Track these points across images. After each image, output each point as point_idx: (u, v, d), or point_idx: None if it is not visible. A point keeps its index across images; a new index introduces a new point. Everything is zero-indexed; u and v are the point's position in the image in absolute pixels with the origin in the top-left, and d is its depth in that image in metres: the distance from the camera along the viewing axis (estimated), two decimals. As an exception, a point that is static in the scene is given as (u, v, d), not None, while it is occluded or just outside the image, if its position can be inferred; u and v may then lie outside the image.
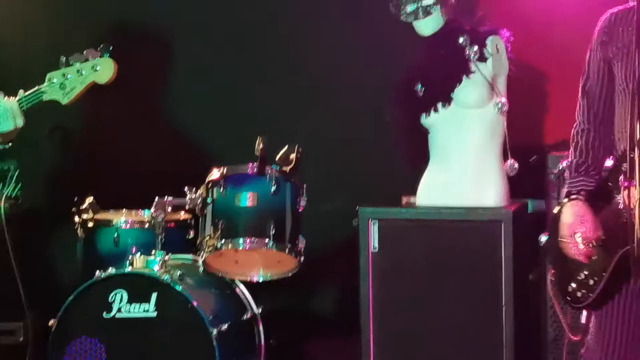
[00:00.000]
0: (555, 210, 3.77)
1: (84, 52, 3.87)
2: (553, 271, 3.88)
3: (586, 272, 3.62)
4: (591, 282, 3.59)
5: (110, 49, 3.90)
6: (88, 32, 5.87)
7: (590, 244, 3.60)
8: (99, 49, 3.87)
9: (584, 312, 3.79)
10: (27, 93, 3.92)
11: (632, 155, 3.38)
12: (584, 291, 3.62)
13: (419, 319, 4.76)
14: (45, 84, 3.91)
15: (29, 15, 6.13)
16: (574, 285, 3.65)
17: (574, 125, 3.81)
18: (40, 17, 6.12)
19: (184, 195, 4.99)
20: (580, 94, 3.82)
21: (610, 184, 3.59)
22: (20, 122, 4.18)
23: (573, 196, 3.67)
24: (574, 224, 3.62)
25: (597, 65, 3.75)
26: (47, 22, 6.12)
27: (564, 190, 3.77)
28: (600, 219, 3.60)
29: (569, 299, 3.67)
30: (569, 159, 3.80)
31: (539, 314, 4.93)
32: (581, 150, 3.77)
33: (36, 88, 3.93)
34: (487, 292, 4.68)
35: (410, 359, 4.80)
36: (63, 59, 3.86)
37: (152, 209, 4.97)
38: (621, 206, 3.54)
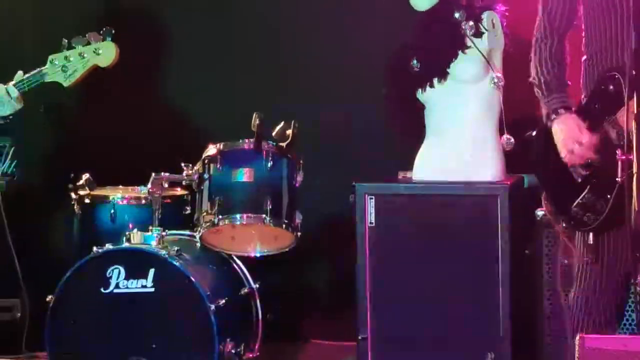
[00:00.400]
0: (534, 133, 3.94)
1: (87, 35, 3.88)
2: (546, 195, 3.93)
3: (590, 195, 3.69)
4: (598, 205, 3.66)
5: (113, 32, 3.91)
6: (83, 15, 5.87)
7: (592, 156, 3.67)
8: (101, 33, 3.88)
9: (590, 236, 3.75)
10: (28, 75, 3.92)
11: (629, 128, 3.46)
12: (590, 215, 3.68)
13: (416, 294, 4.76)
14: (47, 65, 3.92)
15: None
16: (577, 209, 3.72)
17: (534, 39, 3.92)
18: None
19: (180, 171, 5.01)
20: (540, 10, 3.91)
21: (596, 106, 3.71)
22: (18, 106, 4.21)
23: (561, 110, 3.75)
24: (573, 134, 3.69)
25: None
26: (40, 5, 6.12)
27: (543, 112, 3.85)
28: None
29: (572, 222, 3.74)
30: (534, 76, 3.90)
31: (535, 288, 4.90)
32: (546, 62, 3.87)
33: (37, 70, 3.94)
34: (483, 267, 4.69)
35: (408, 331, 4.77)
36: (65, 41, 3.86)
37: (149, 185, 4.98)
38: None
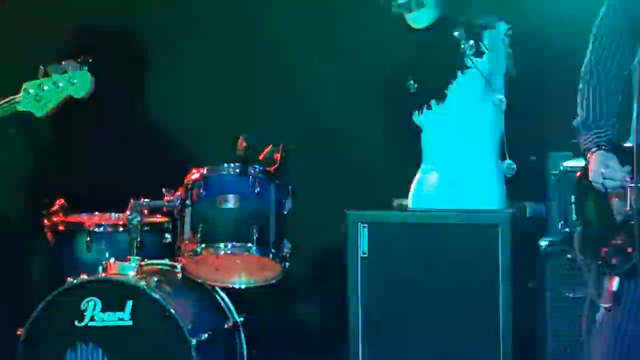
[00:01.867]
0: (577, 172, 3.85)
1: (63, 62, 3.86)
2: (580, 235, 3.84)
3: (623, 238, 3.62)
4: (629, 249, 3.58)
5: (90, 61, 3.88)
6: (67, 37, 6.00)
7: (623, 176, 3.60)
8: (78, 61, 3.85)
9: (615, 280, 3.70)
10: (0, 103, 3.93)
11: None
12: (619, 258, 3.62)
13: (412, 329, 4.70)
14: (21, 94, 3.89)
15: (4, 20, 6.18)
16: (608, 250, 3.67)
17: (581, 81, 3.85)
18: (18, 22, 6.16)
19: (161, 197, 5.04)
20: (591, 59, 3.84)
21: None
22: None
23: (593, 149, 3.73)
24: (601, 165, 3.65)
25: (614, 15, 3.79)
26: (24, 27, 6.15)
27: (582, 143, 3.81)
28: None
29: (600, 262, 3.67)
30: (580, 115, 3.85)
31: (538, 323, 4.86)
32: (587, 101, 3.83)
33: (10, 98, 3.91)
34: (483, 300, 4.62)
35: None
36: (41, 68, 3.86)
37: (127, 212, 4.99)
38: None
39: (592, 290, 3.79)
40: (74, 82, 3.83)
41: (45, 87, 3.85)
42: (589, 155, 3.74)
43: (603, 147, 3.71)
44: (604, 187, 3.64)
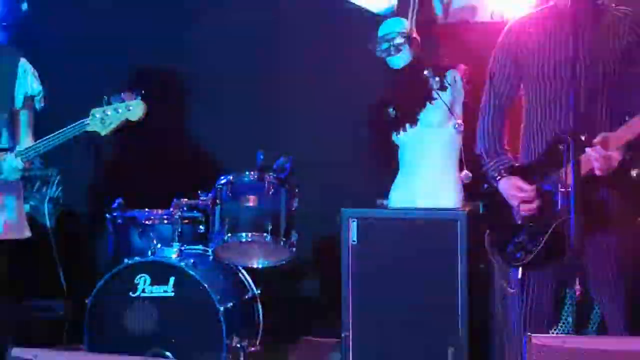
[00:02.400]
0: (485, 187, 3.87)
1: (122, 94, 3.86)
2: (489, 236, 3.85)
3: (524, 237, 3.66)
4: (532, 245, 3.63)
5: (142, 92, 3.91)
6: (124, 74, 5.92)
7: (530, 205, 3.63)
8: (133, 92, 3.88)
9: (520, 271, 3.76)
10: (73, 124, 3.88)
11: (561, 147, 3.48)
12: (522, 253, 3.66)
13: (390, 300, 4.77)
14: (89, 117, 3.89)
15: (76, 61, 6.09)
16: (512, 247, 3.69)
17: (479, 122, 3.87)
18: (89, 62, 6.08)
19: (198, 197, 5.06)
20: (487, 90, 3.85)
21: (545, 163, 3.63)
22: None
23: (497, 175, 3.72)
24: (513, 193, 3.66)
25: (504, 64, 3.79)
26: (93, 66, 6.06)
27: (488, 172, 3.82)
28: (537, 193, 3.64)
29: (506, 258, 3.72)
30: (479, 146, 3.86)
31: (489, 295, 4.90)
32: (487, 133, 3.83)
33: (81, 121, 3.90)
34: (446, 278, 4.71)
35: (382, 330, 4.78)
36: (105, 98, 3.87)
37: (171, 208, 5.04)
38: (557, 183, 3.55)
39: (501, 279, 3.92)
40: (130, 108, 3.86)
41: (108, 112, 3.87)
42: (497, 181, 3.74)
43: (504, 175, 3.72)
44: (521, 213, 3.67)
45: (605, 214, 3.59)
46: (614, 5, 3.73)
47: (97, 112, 3.88)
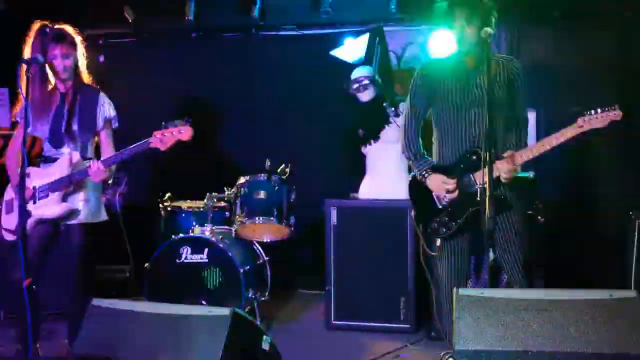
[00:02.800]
0: (410, 177, 3.80)
1: (176, 121, 3.82)
2: (415, 213, 3.78)
3: (446, 217, 3.64)
4: (451, 223, 3.62)
5: (190, 119, 3.84)
6: (175, 102, 5.97)
7: (452, 196, 3.62)
8: (185, 120, 3.82)
9: (439, 240, 3.72)
10: (139, 142, 3.84)
11: (475, 155, 3.52)
12: (444, 228, 3.65)
13: (361, 264, 4.89)
14: (152, 138, 3.83)
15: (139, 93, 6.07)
16: (435, 224, 3.66)
17: (404, 128, 3.79)
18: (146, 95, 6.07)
19: (224, 192, 5.13)
20: (409, 107, 3.78)
21: (461, 166, 3.60)
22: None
23: (425, 174, 3.67)
24: (440, 187, 3.63)
25: (420, 91, 3.73)
26: (150, 98, 6.01)
27: (415, 171, 3.76)
28: (458, 185, 3.62)
29: (430, 231, 3.67)
30: (404, 149, 3.77)
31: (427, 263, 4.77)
32: (411, 139, 3.74)
33: (145, 139, 3.85)
34: (400, 250, 4.83)
35: (354, 286, 4.86)
36: (163, 123, 3.83)
37: (205, 200, 5.11)
38: (471, 182, 3.55)
39: (426, 246, 3.69)
40: (181, 131, 3.83)
41: (166, 134, 3.82)
42: (425, 178, 3.68)
43: (430, 173, 3.67)
44: (445, 201, 3.64)
45: (507, 204, 3.59)
46: (498, 54, 3.78)
47: (157, 134, 3.84)
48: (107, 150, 4.11)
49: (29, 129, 3.88)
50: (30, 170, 4.03)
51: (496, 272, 3.89)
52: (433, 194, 3.72)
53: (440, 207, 3.69)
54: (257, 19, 5.99)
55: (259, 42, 6.21)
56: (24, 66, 3.53)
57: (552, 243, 4.96)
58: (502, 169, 3.54)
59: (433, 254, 3.73)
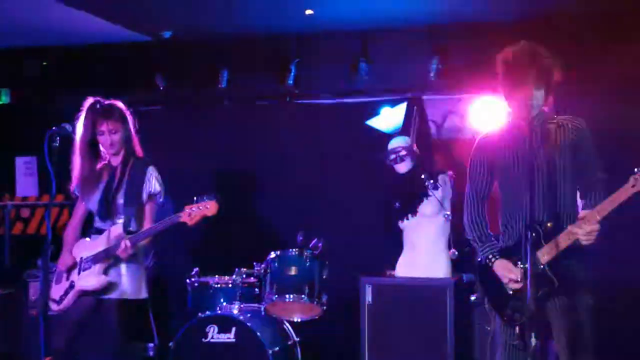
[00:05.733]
0: (478, 261, 3.62)
1: (204, 196, 3.97)
2: (489, 300, 3.59)
3: (519, 302, 3.41)
4: (517, 315, 3.44)
5: (217, 195, 3.97)
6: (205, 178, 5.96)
7: (518, 285, 3.45)
8: (212, 195, 3.97)
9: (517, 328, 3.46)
10: (171, 217, 3.99)
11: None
12: (518, 314, 3.44)
13: (397, 346, 4.87)
14: (181, 214, 3.98)
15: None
16: (510, 310, 3.48)
17: (466, 211, 3.66)
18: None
19: (253, 267, 5.13)
20: (468, 187, 3.65)
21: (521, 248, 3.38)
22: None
23: (492, 258, 3.52)
24: (506, 273, 3.46)
25: (479, 165, 3.61)
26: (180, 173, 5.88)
27: (480, 255, 3.60)
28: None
29: (506, 318, 3.50)
30: (468, 232, 3.65)
31: (470, 340, 4.97)
32: (474, 221, 3.61)
33: (176, 214, 4.00)
34: (438, 328, 4.80)
35: None
36: (195, 198, 3.98)
37: (234, 276, 5.10)
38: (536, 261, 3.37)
39: (502, 334, 3.50)
40: (207, 207, 3.94)
41: (194, 209, 3.94)
42: (491, 262, 3.51)
43: (497, 257, 3.51)
44: (509, 288, 3.48)
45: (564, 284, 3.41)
46: (557, 115, 3.56)
47: (187, 208, 3.99)
48: (146, 225, 4.23)
49: (83, 203, 4.27)
50: (82, 242, 4.28)
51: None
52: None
53: (509, 292, 3.53)
54: (292, 87, 6.02)
55: (294, 110, 6.23)
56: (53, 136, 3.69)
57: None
58: (581, 232, 3.35)
59: (515, 342, 3.47)
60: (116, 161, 4.25)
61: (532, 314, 3.13)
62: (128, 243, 4.04)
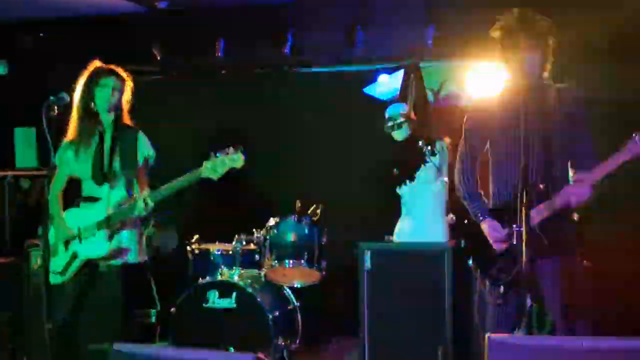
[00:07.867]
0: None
1: (227, 148, 3.89)
2: (474, 260, 3.67)
3: (505, 262, 3.51)
4: (506, 270, 3.50)
5: (243, 147, 3.91)
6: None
7: (505, 242, 3.52)
8: (237, 148, 3.90)
9: (502, 288, 3.55)
10: (189, 173, 3.91)
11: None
12: (503, 274, 3.52)
13: (395, 310, 4.84)
14: (202, 167, 3.89)
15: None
16: (494, 270, 3.55)
17: (458, 168, 3.74)
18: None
19: (253, 234, 5.20)
20: (463, 143, 3.71)
21: (514, 205, 3.39)
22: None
23: (480, 218, 3.59)
24: (494, 233, 3.54)
25: (475, 125, 3.66)
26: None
27: (470, 211, 3.67)
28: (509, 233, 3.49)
29: (490, 278, 3.57)
30: (457, 184, 3.72)
31: (468, 304, 4.72)
32: (465, 174, 3.68)
33: (195, 170, 3.92)
34: (436, 293, 4.78)
35: (388, 333, 4.80)
36: (212, 152, 3.90)
37: (234, 242, 5.18)
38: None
39: (487, 294, 3.56)
40: (234, 159, 3.86)
41: (218, 162, 3.85)
42: (479, 221, 3.60)
43: (485, 217, 3.58)
44: (496, 248, 3.56)
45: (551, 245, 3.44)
46: (553, 82, 3.58)
47: (208, 163, 3.88)
48: (142, 188, 4.19)
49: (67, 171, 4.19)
50: (73, 211, 4.17)
51: (541, 318, 3.99)
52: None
53: (497, 252, 3.59)
54: (289, 56, 6.05)
55: (291, 79, 6.26)
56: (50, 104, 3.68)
57: (599, 288, 4.79)
58: (574, 194, 3.41)
59: (499, 302, 3.57)
60: (105, 125, 4.15)
61: (521, 274, 3.13)
62: (149, 201, 3.97)
